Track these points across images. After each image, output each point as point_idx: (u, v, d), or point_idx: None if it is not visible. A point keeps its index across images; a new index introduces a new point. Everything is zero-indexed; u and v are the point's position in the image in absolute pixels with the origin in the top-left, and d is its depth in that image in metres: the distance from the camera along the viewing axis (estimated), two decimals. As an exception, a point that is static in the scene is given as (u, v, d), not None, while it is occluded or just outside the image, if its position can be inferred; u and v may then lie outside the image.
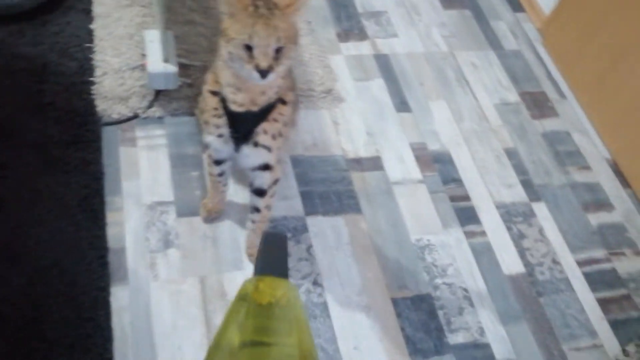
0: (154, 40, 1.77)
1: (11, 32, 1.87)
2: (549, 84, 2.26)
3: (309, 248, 1.63)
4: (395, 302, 1.58)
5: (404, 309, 1.58)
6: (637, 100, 1.98)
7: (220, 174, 1.51)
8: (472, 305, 1.62)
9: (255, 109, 1.26)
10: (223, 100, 1.27)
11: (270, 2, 1.13)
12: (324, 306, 1.54)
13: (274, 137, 1.32)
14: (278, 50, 1.14)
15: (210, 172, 1.52)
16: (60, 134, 1.67)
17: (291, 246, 1.63)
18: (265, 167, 1.38)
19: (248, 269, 1.55)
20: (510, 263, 1.74)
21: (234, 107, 1.25)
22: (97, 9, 2.02)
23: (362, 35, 2.24)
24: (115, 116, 1.77)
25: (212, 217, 1.62)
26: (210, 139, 1.35)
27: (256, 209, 1.51)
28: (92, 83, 1.81)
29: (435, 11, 2.42)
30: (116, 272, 1.48)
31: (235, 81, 1.22)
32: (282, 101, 1.30)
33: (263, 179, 1.42)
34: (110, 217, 1.56)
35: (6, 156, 1.60)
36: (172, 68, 1.73)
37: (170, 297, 1.46)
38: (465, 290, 1.65)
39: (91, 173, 1.62)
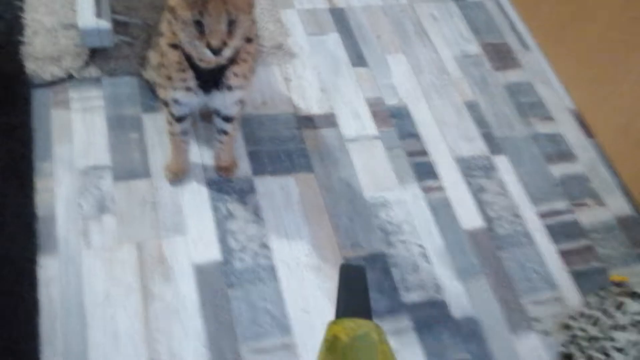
0: (84, -5, 1.65)
1: None
2: (512, 35, 2.17)
3: (256, 209, 1.55)
4: (347, 260, 1.51)
5: (356, 268, 1.50)
6: (599, 46, 1.90)
7: (184, 132, 1.45)
8: (428, 262, 1.55)
9: (223, 60, 1.20)
10: (187, 56, 1.20)
11: None
12: (271, 269, 1.46)
13: (245, 77, 1.28)
14: (231, 23, 1.08)
15: (171, 131, 1.43)
16: (-15, 98, 1.55)
17: (237, 207, 1.54)
18: (239, 102, 1.36)
19: (190, 233, 1.46)
20: (469, 218, 1.66)
21: (202, 64, 1.20)
22: (28, -35, 1.88)
23: (316, -11, 2.12)
24: (47, 77, 1.65)
25: (180, 179, 1.54)
26: (176, 94, 1.29)
27: (224, 132, 1.47)
28: (21, 43, 1.69)
29: (394, -38, 2.30)
30: (45, 242, 1.38)
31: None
32: (248, 39, 1.23)
33: (234, 109, 1.39)
34: (40, 183, 1.46)
35: None
36: (105, 24, 1.62)
37: (104, 265, 1.37)
38: (421, 246, 1.57)
39: (18, 138, 1.51)
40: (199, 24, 1.08)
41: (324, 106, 1.81)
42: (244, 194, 1.57)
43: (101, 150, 1.56)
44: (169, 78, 1.26)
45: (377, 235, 1.57)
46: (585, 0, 1.93)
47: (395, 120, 1.82)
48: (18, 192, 1.42)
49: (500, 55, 2.10)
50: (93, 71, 1.69)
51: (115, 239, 1.41)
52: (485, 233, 1.65)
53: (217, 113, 1.43)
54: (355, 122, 1.79)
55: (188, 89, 1.27)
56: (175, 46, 1.21)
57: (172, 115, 1.38)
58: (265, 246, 1.49)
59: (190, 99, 1.30)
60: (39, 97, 1.61)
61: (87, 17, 1.61)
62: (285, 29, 1.97)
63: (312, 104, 1.80)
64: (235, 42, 1.13)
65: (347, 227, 1.57)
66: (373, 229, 1.58)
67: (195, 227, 1.48)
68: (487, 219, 1.68)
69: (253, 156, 1.65)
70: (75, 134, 1.57)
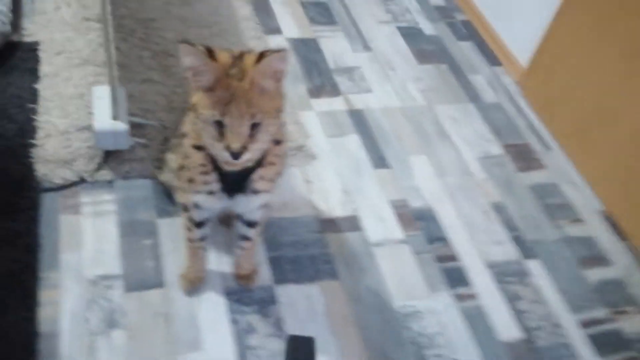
0: (102, 97, 1.62)
1: (-55, 93, 1.70)
2: (533, 136, 2.14)
3: (278, 322, 1.42)
4: (380, 382, 1.36)
5: (391, 390, 1.35)
6: (626, 148, 1.85)
7: (202, 238, 1.35)
8: (469, 381, 1.40)
9: (250, 164, 1.12)
10: (212, 158, 1.13)
11: (245, 70, 0.99)
12: (297, 391, 1.30)
13: (272, 180, 1.20)
14: (254, 126, 1.01)
15: (189, 237, 1.34)
16: (-10, 202, 1.47)
17: (258, 319, 1.41)
18: (264, 206, 1.27)
19: (207, 349, 1.32)
20: (506, 328, 1.53)
21: (227, 167, 1.12)
22: (45, 68, 1.87)
23: (334, 91, 2.11)
24: (57, 181, 1.58)
25: (196, 288, 1.42)
26: (198, 198, 1.21)
27: (246, 238, 1.37)
28: (33, 145, 1.63)
29: (410, 66, 2.32)
30: (47, 362, 1.24)
31: None
32: (276, 141, 1.16)
33: (258, 214, 1.31)
34: (44, 295, 1.34)
35: None
36: (122, 126, 1.57)
37: (112, 389, 1.22)
38: (460, 363, 1.43)
39: (23, 245, 1.40)
40: (219, 125, 1.01)
41: (346, 208, 1.72)
42: (265, 304, 1.44)
43: (112, 258, 1.45)
44: (191, 181, 1.19)
45: (409, 350, 1.43)
46: (608, 102, 1.91)
47: (421, 223, 1.73)
48: (20, 305, 1.30)
49: (523, 156, 2.05)
50: (106, 174, 1.62)
51: (125, 357, 1.27)
52: (524, 345, 1.51)
53: (240, 218, 1.34)
54: (380, 226, 1.70)
55: (211, 192, 1.19)
56: (199, 148, 1.15)
57: (191, 220, 1.29)
58: (289, 365, 1.34)
59: (213, 203, 1.22)
60: (47, 201, 1.53)
61: (104, 119, 1.57)
62: (305, 130, 1.93)
63: (334, 206, 1.72)
64: (259, 146, 1.06)
65: (378, 341, 1.43)
66: (405, 343, 1.44)
67: (212, 343, 1.34)
68: (525, 328, 1.54)
69: (274, 262, 1.54)
70: (85, 241, 1.47)
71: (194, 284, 1.41)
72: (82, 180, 1.59)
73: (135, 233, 1.51)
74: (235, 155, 1.02)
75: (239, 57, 1.00)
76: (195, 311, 1.39)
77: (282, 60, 0.99)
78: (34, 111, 1.73)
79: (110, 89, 1.58)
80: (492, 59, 2.46)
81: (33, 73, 1.83)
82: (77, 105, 1.77)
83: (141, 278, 1.42)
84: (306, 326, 1.42)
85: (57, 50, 1.94)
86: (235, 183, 1.18)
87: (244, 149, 1.02)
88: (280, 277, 1.51)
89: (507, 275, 1.65)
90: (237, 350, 1.34)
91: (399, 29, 2.50)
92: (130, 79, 1.89)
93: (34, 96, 1.77)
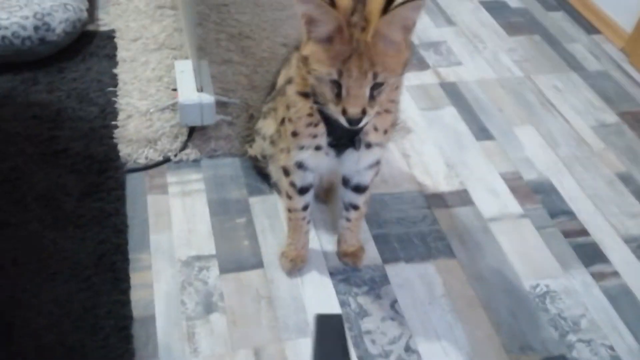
0: (185, 70, 1.50)
1: (23, 79, 1.63)
2: (650, 102, 1.90)
3: (393, 304, 1.24)
4: (520, 369, 1.15)
5: (534, 378, 1.14)
6: None
7: (305, 207, 1.19)
8: (627, 369, 1.18)
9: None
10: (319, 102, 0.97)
11: (369, 19, 0.83)
12: (425, 380, 1.12)
13: (385, 132, 1.04)
14: (375, 87, 0.86)
15: (290, 207, 1.19)
16: (75, 184, 1.37)
17: (370, 301, 1.24)
18: (375, 164, 1.11)
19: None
20: (662, 310, 1.30)
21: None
22: (122, 53, 1.79)
23: (422, 66, 1.95)
24: (141, 161, 1.47)
25: (298, 268, 1.26)
26: (302, 155, 1.06)
27: (354, 207, 1.20)
28: (115, 127, 1.53)
29: (500, 38, 2.13)
30: (143, 348, 1.10)
31: None
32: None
33: (368, 175, 1.14)
34: (136, 278, 1.21)
35: (8, 212, 1.28)
36: (208, 98, 1.44)
37: (216, 377, 1.07)
38: (611, 348, 1.21)
39: (111, 226, 1.29)
40: (335, 84, 0.87)
41: (452, 182, 1.54)
42: (377, 285, 1.27)
43: (204, 238, 1.32)
44: (296, 135, 1.04)
45: (550, 334, 1.22)
46: None
47: (540, 196, 1.53)
48: (111, 288, 1.17)
49: (643, 123, 1.81)
50: (192, 153, 1.50)
51: (228, 344, 1.12)
52: (687, 328, 1.27)
53: (347, 183, 1.18)
54: (494, 199, 1.50)
55: (317, 148, 1.04)
56: (306, 95, 1.00)
57: (293, 185, 1.14)
58: (412, 350, 1.16)
59: (319, 161, 1.07)
60: (133, 182, 1.42)
61: (188, 92, 1.45)
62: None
63: (438, 181, 1.54)
64: (379, 107, 0.91)
65: (510, 325, 1.23)
66: (544, 326, 1.23)
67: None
68: (681, 311, 1.31)
69: (380, 240, 1.37)
70: (174, 221, 1.34)
71: (296, 264, 1.25)
72: (167, 160, 1.47)
73: (227, 212, 1.37)
74: (353, 122, 0.87)
75: (362, 2, 0.84)
76: (300, 293, 1.23)
77: (417, 10, 0.83)
78: (114, 94, 1.64)
79: (193, 62, 1.46)
80: (589, 28, 2.24)
81: (111, 59, 1.75)
82: (157, 87, 1.68)
83: (237, 259, 1.28)
84: (425, 308, 1.24)
85: (133, 37, 1.86)
86: (345, 136, 1.03)
87: (363, 113, 0.87)
88: (389, 255, 1.33)
89: (649, 250, 1.43)
90: (351, 335, 1.17)
91: (482, 3, 2.33)
92: (210, 61, 1.78)
93: (113, 80, 1.69)
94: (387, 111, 1.03)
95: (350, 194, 1.19)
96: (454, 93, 1.84)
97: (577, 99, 1.89)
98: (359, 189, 1.18)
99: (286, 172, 1.14)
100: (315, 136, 1.03)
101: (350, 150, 1.05)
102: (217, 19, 2.00)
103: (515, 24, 2.22)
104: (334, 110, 0.90)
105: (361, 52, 0.83)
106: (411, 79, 1.88)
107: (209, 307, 1.18)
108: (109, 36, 1.85)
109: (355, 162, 1.08)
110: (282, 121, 1.09)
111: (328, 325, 0.56)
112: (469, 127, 1.72)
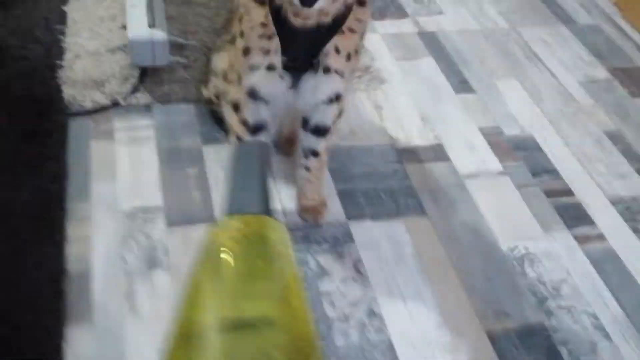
0: (136, 5, 1.36)
1: (-40, 13, 1.47)
2: (643, 58, 1.79)
3: (356, 263, 1.13)
4: (493, 336, 1.06)
5: (508, 346, 1.05)
6: None
7: None
8: (608, 338, 1.08)
9: (327, 19, 0.86)
10: (276, 12, 0.86)
11: None
12: (388, 346, 1.02)
13: (348, 57, 0.93)
14: None
15: None
16: (11, 126, 1.23)
17: (331, 261, 1.13)
18: (336, 99, 0.99)
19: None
20: (647, 275, 1.21)
21: (298, 21, 0.85)
22: (74, -10, 1.63)
23: (400, 14, 1.81)
24: (87, 104, 1.33)
25: None
26: (254, 78, 0.95)
27: (313, 153, 1.09)
28: (60, 67, 1.39)
29: (486, -13, 1.99)
30: (76, 307, 0.99)
31: None
32: (360, 1, 0.89)
33: (328, 113, 1.03)
34: (73, 229, 1.09)
35: None
36: (161, 35, 1.30)
37: (155, 338, 0.96)
38: (594, 316, 1.11)
39: (49, 172, 1.16)
40: None
41: (427, 137, 1.42)
42: (339, 243, 1.16)
43: (151, 188, 1.19)
44: (247, 51, 0.93)
45: (528, 300, 1.12)
46: None
47: (522, 153, 1.42)
48: (45, 240, 1.05)
49: (635, 80, 1.70)
50: (142, 97, 1.37)
51: (169, 303, 1.01)
52: (674, 294, 1.18)
53: (305, 124, 1.06)
54: (471, 155, 1.39)
55: (270, 67, 0.93)
56: (261, 2, 0.88)
57: (244, 124, 1.02)
58: (375, 314, 1.06)
59: (274, 87, 0.96)
60: (77, 127, 1.28)
61: (139, 27, 1.30)
62: (370, 53, 1.63)
63: (412, 134, 1.42)
64: None
65: (485, 289, 1.13)
66: (522, 291, 1.14)
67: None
68: (669, 275, 1.22)
69: (345, 196, 1.25)
70: (120, 170, 1.22)
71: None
72: (116, 104, 1.34)
73: (177, 161, 1.25)
74: (306, 1, 0.75)
75: None
76: (254, 250, 1.11)
77: None
78: (62, 32, 1.49)
79: (146, -4, 1.32)
80: (583, -18, 2.11)
81: (60, -6, 1.59)
82: (109, 27, 1.53)
83: (186, 211, 1.16)
84: (391, 269, 1.13)
85: (86, -27, 1.69)
86: (301, 55, 0.91)
87: None
88: (355, 212, 1.22)
89: (637, 213, 1.32)
90: (309, 296, 1.06)
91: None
92: (169, 1, 1.63)
93: (62, 18, 1.53)
94: (351, 30, 0.92)
95: (309, 138, 1.08)
96: (433, 43, 1.71)
97: (565, 53, 1.77)
98: (319, 131, 1.06)
99: (236, 107, 1.02)
100: (268, 52, 0.92)
101: (308, 77, 0.94)
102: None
103: (502, -26, 2.08)
104: None
105: None
106: (387, 26, 1.75)
107: (151, 263, 1.07)
108: (61, -28, 1.69)
109: (313, 92, 0.97)
110: (234, 40, 0.97)
111: (247, 158, 0.51)
112: (447, 79, 1.60)
